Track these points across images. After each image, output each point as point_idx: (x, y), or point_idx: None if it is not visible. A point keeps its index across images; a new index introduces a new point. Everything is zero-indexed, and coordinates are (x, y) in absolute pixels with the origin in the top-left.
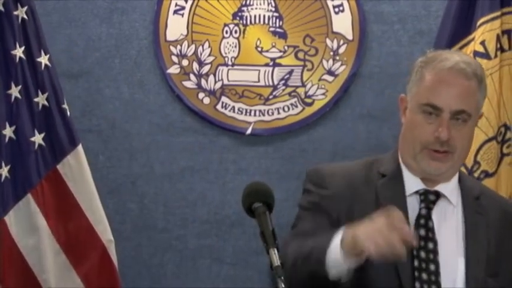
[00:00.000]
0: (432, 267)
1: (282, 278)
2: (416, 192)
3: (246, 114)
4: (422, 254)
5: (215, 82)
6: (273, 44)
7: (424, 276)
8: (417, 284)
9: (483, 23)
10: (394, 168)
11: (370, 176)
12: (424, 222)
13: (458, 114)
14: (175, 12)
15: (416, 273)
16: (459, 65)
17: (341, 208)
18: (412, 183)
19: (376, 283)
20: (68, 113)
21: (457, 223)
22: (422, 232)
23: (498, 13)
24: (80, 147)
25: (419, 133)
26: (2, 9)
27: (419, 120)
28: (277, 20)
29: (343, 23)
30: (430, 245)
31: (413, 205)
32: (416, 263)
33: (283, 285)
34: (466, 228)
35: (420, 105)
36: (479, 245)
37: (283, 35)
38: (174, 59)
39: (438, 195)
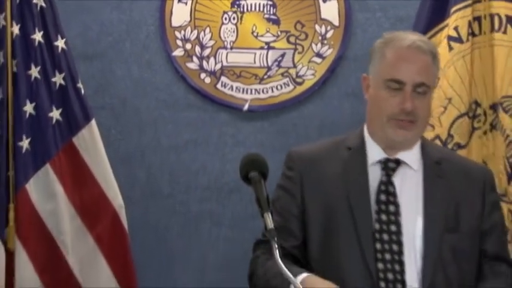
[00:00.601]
0: (393, 228)
1: (275, 239)
2: (379, 161)
3: (243, 93)
4: (384, 217)
5: (215, 64)
6: (268, 30)
7: (385, 237)
8: (378, 245)
9: (456, 10)
10: (359, 142)
11: (338, 151)
12: (385, 188)
13: (419, 86)
14: (179, 0)
15: (377, 235)
16: (416, 43)
17: (304, 187)
18: (375, 154)
19: (338, 248)
20: (83, 91)
21: (418, 186)
22: (383, 197)
23: (469, 1)
24: (93, 122)
25: (385, 106)
26: None
27: (384, 95)
28: (271, 8)
29: (331, 10)
30: (391, 208)
31: (376, 173)
32: (377, 225)
33: (276, 246)
34: (425, 190)
35: (384, 81)
36: (437, 204)
37: (276, 21)
38: (179, 42)
39: (398, 162)
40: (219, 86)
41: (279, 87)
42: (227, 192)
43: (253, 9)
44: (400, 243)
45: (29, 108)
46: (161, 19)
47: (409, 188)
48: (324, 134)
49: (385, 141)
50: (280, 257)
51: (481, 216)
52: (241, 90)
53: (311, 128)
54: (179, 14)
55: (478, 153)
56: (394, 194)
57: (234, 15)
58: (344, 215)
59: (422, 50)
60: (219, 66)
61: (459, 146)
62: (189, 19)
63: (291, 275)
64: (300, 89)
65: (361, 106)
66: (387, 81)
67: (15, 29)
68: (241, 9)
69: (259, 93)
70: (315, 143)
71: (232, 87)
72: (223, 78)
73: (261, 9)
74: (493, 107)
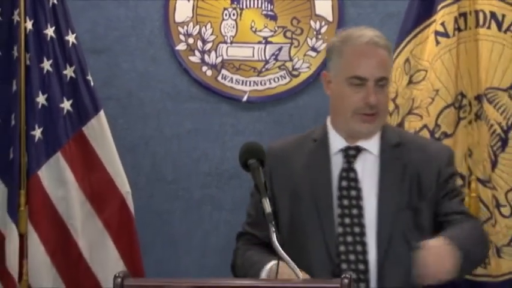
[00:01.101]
0: (355, 211)
1: (273, 222)
2: (341, 150)
3: (242, 85)
4: (346, 202)
5: (216, 57)
6: (265, 25)
7: (347, 220)
8: (340, 229)
9: (443, 6)
10: (323, 133)
11: (305, 143)
12: (346, 174)
13: (380, 80)
14: None
15: (339, 220)
16: (374, 39)
17: (273, 179)
18: (337, 143)
19: (304, 234)
20: (92, 83)
21: (377, 170)
22: (345, 183)
23: None
24: (101, 113)
25: (349, 102)
26: None
27: (348, 92)
28: (269, 5)
29: (324, 7)
30: (353, 193)
31: (338, 161)
32: (339, 211)
33: (273, 229)
34: (380, 173)
35: (347, 79)
36: (390, 185)
37: (273, 17)
38: (182, 37)
39: (359, 149)
40: (219, 78)
41: (276, 79)
42: (227, 178)
43: (251, 5)
44: (362, 226)
45: (41, 99)
46: (165, 15)
47: (370, 173)
48: (319, 123)
49: (348, 132)
50: (276, 240)
51: (436, 189)
52: (240, 82)
53: (306, 118)
54: (182, 11)
55: (464, 141)
56: (355, 180)
57: (234, 11)
58: (309, 203)
59: (379, 45)
60: (219, 59)
61: (446, 135)
62: (191, 15)
63: (288, 258)
64: (296, 81)
65: None
66: (350, 79)
67: (29, 25)
68: (241, 5)
69: (257, 85)
70: (288, 138)
71: (232, 79)
72: (223, 71)
73: (259, 5)
74: (478, 98)
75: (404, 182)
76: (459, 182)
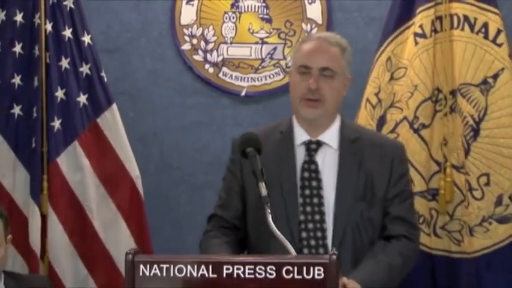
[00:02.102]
0: (316, 200)
1: (268, 205)
2: (303, 143)
3: (241, 81)
4: (307, 192)
5: (217, 56)
6: (262, 27)
7: (309, 209)
8: (302, 217)
9: (421, 11)
10: (289, 126)
11: (272, 135)
12: (308, 166)
13: (324, 70)
14: (187, 3)
15: (301, 208)
16: (324, 36)
17: (244, 168)
18: (300, 136)
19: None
20: (105, 80)
21: (335, 163)
22: (306, 174)
23: (432, 3)
24: (114, 106)
25: (297, 89)
26: (55, 0)
27: (297, 80)
28: (265, 9)
29: (315, 11)
30: (314, 183)
31: (301, 153)
32: (301, 200)
33: (269, 211)
34: (339, 166)
35: (297, 68)
36: (347, 177)
37: (269, 20)
38: (187, 38)
39: (319, 143)
40: (220, 75)
41: (271, 76)
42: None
43: (249, 10)
44: (322, 213)
45: (60, 94)
46: (171, 18)
47: (329, 165)
48: None
49: (304, 121)
50: (272, 221)
51: (387, 186)
52: (239, 78)
53: None
54: (187, 14)
55: (440, 132)
56: (316, 171)
57: (234, 15)
58: (276, 191)
59: (329, 42)
60: (220, 58)
61: (424, 126)
62: (195, 18)
63: (282, 236)
64: (289, 78)
65: None
66: (298, 68)
67: (48, 27)
68: (240, 10)
69: (254, 81)
70: (257, 129)
71: (232, 76)
72: (224, 69)
73: (256, 10)
74: (453, 93)
75: (360, 176)
76: (409, 180)
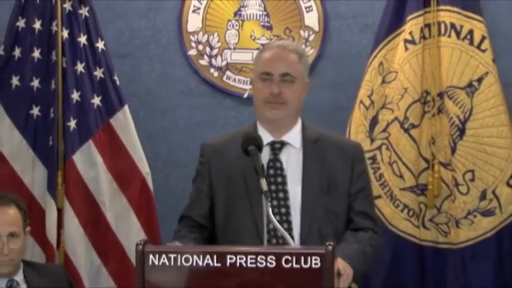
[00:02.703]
0: (281, 194)
1: (269, 199)
2: (268, 143)
3: (243, 84)
4: (273, 187)
5: (222, 61)
6: (263, 34)
7: (275, 203)
8: (269, 210)
9: (411, 19)
10: (253, 130)
11: (238, 138)
12: (273, 164)
13: (284, 76)
14: (193, 11)
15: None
16: (283, 44)
17: (211, 169)
18: (265, 137)
19: (236, 216)
20: (118, 83)
21: (299, 161)
22: (272, 171)
23: (421, 12)
24: (126, 107)
25: (260, 94)
26: (71, 9)
27: (260, 86)
28: (266, 17)
29: (312, 19)
30: (279, 179)
31: (266, 153)
32: (264, 195)
33: (269, 204)
34: (303, 164)
35: (259, 75)
36: (312, 174)
37: (269, 28)
38: (193, 44)
39: (283, 143)
40: (224, 78)
41: None
42: None
43: (251, 18)
44: (287, 206)
45: (75, 96)
46: (179, 26)
47: (293, 163)
48: (307, 117)
49: (268, 124)
50: (270, 212)
51: (350, 182)
52: (242, 82)
53: None
54: (193, 22)
55: (428, 131)
56: (281, 168)
57: (237, 22)
58: (241, 189)
59: (288, 49)
60: (224, 63)
61: (413, 126)
62: (201, 26)
63: (280, 227)
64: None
65: (335, 94)
66: (260, 75)
67: (65, 34)
68: (242, 18)
69: None
70: (223, 135)
71: (235, 79)
72: (228, 73)
73: (258, 18)
74: (440, 95)
75: (323, 173)
76: (369, 177)
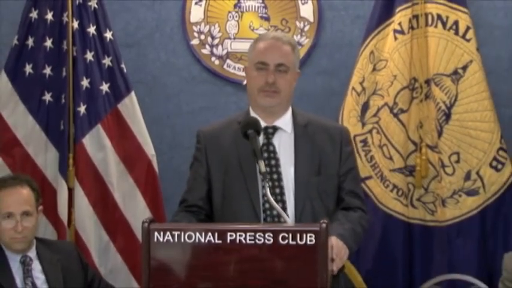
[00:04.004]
0: (275, 176)
1: (267, 179)
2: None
3: (243, 71)
4: (267, 169)
5: (222, 50)
6: (261, 25)
7: (269, 183)
8: (263, 190)
9: (400, 10)
10: (246, 116)
11: (231, 125)
12: (266, 147)
13: (279, 66)
14: (196, 3)
15: (262, 183)
16: (277, 35)
17: (208, 155)
18: None
19: (233, 197)
20: (125, 70)
21: (291, 144)
22: (266, 155)
23: (410, 4)
24: (133, 93)
25: (255, 82)
26: (81, 1)
27: (255, 75)
28: (264, 9)
29: (307, 10)
30: (273, 162)
31: (260, 138)
32: (262, 177)
33: (267, 185)
34: (295, 147)
35: (255, 64)
36: (303, 156)
37: (267, 19)
38: (195, 34)
39: (275, 128)
40: (225, 66)
41: None
42: None
43: (250, 9)
44: (281, 187)
45: (85, 82)
46: (182, 17)
47: (285, 146)
48: (303, 102)
49: (261, 110)
50: (269, 194)
51: (339, 163)
52: (241, 69)
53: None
54: (196, 13)
55: (416, 116)
56: (274, 151)
57: (236, 14)
58: (237, 172)
59: (282, 41)
60: (225, 52)
61: (402, 111)
62: (203, 17)
63: (278, 206)
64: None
65: (329, 81)
66: (256, 64)
67: (75, 24)
68: (242, 9)
69: None
70: (217, 122)
71: (235, 67)
72: (228, 61)
73: (256, 9)
74: (427, 82)
75: (314, 155)
76: (356, 158)
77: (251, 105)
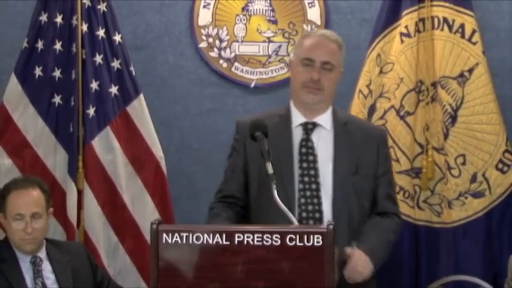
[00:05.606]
0: (312, 172)
1: (274, 181)
2: (300, 124)
3: (250, 74)
4: (304, 164)
5: (230, 53)
6: (268, 28)
7: (306, 179)
8: (301, 185)
9: (406, 13)
10: (287, 111)
11: (272, 118)
12: (305, 143)
13: (325, 64)
14: (204, 6)
15: (299, 178)
16: (325, 33)
17: (246, 145)
18: (297, 118)
19: (270, 190)
20: (133, 73)
21: (330, 141)
22: (304, 150)
23: (416, 7)
24: (141, 96)
25: (300, 77)
26: (90, 4)
27: (300, 70)
28: (271, 12)
29: (314, 13)
30: (310, 158)
31: (299, 133)
32: (299, 171)
33: (274, 186)
34: (334, 144)
35: (301, 60)
36: (343, 154)
37: (275, 22)
38: (203, 37)
39: (315, 124)
40: (233, 69)
41: (276, 70)
42: None
43: (258, 13)
44: (317, 183)
45: (94, 85)
46: (190, 20)
47: (324, 143)
48: None
49: (303, 106)
50: (276, 194)
51: (376, 164)
52: (249, 72)
53: None
54: (204, 16)
55: (422, 118)
56: (312, 147)
57: (244, 17)
58: (274, 165)
59: (329, 39)
60: (233, 54)
61: (408, 113)
62: (211, 20)
63: (285, 207)
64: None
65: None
66: (302, 60)
67: (84, 27)
68: (249, 13)
69: (262, 74)
70: (257, 113)
71: (242, 70)
72: (236, 64)
73: (264, 13)
74: (433, 85)
75: (352, 154)
76: (391, 161)
77: (293, 99)
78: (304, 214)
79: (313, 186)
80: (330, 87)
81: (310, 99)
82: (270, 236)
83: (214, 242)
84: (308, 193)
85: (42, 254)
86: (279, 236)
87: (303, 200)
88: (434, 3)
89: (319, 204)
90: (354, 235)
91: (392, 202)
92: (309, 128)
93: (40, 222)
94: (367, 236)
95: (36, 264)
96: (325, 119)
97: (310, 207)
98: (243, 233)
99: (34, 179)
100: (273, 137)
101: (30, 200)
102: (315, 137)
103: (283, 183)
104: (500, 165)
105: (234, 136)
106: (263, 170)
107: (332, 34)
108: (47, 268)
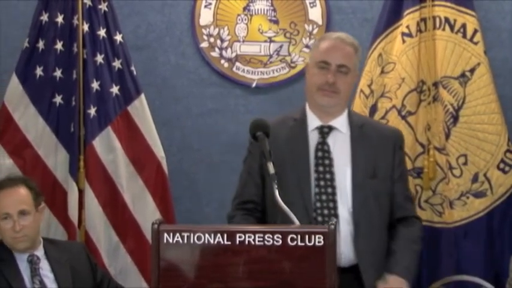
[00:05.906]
0: (328, 176)
1: (275, 181)
2: (316, 127)
3: (252, 74)
4: (320, 168)
5: (232, 52)
6: (270, 28)
7: (322, 183)
8: (316, 189)
9: (408, 13)
10: (302, 114)
11: (287, 122)
12: (321, 146)
13: (341, 67)
14: (205, 6)
15: (315, 182)
16: (341, 36)
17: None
18: (313, 122)
19: (286, 194)
20: (135, 73)
21: (346, 144)
22: (320, 154)
23: (417, 7)
24: (142, 95)
25: (315, 80)
26: (91, 4)
27: (316, 72)
28: (273, 12)
29: (316, 13)
30: (326, 161)
31: (315, 137)
32: (315, 175)
33: (276, 187)
34: (352, 148)
35: (317, 63)
36: (360, 158)
37: (276, 22)
38: (205, 37)
39: (331, 127)
40: (234, 69)
41: (278, 70)
42: (240, 147)
43: (259, 12)
44: (333, 187)
45: (95, 85)
46: (192, 20)
47: (340, 146)
48: None
49: (318, 109)
50: (278, 195)
51: (392, 167)
52: (250, 72)
53: (301, 100)
54: (205, 16)
55: (424, 118)
56: (328, 151)
57: (245, 17)
58: (290, 169)
59: (345, 42)
60: (234, 54)
61: (410, 113)
62: (212, 20)
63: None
64: (293, 72)
65: None
66: (318, 63)
67: (85, 27)
68: (251, 12)
69: (263, 74)
70: (274, 117)
71: (244, 70)
72: (237, 64)
73: (265, 12)
74: (435, 85)
75: (370, 157)
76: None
77: (308, 102)
78: (320, 218)
79: (329, 190)
80: (345, 90)
81: (325, 102)
82: (271, 236)
83: (215, 242)
84: (324, 197)
85: (39, 252)
86: (280, 236)
87: (318, 204)
88: (436, 3)
89: (335, 208)
90: (374, 239)
91: (410, 202)
92: (324, 131)
93: (28, 219)
94: (400, 255)
95: (33, 263)
96: (341, 122)
97: (325, 211)
98: (244, 233)
99: (19, 177)
100: (289, 140)
101: (15, 198)
102: (331, 140)
103: (300, 188)
104: (501, 165)
105: (250, 140)
106: (265, 170)
107: (348, 37)
108: (45, 267)
